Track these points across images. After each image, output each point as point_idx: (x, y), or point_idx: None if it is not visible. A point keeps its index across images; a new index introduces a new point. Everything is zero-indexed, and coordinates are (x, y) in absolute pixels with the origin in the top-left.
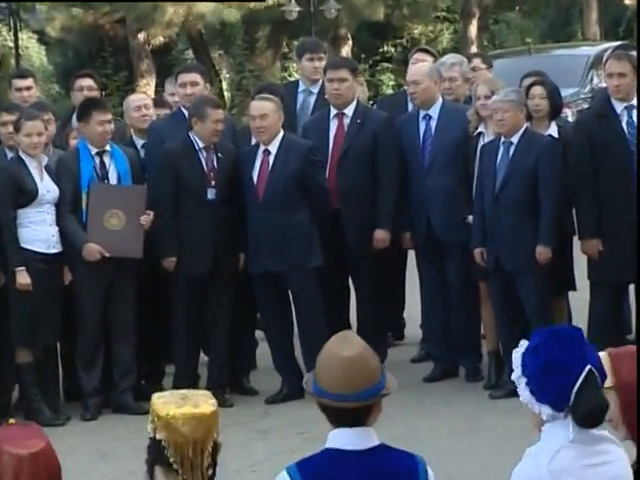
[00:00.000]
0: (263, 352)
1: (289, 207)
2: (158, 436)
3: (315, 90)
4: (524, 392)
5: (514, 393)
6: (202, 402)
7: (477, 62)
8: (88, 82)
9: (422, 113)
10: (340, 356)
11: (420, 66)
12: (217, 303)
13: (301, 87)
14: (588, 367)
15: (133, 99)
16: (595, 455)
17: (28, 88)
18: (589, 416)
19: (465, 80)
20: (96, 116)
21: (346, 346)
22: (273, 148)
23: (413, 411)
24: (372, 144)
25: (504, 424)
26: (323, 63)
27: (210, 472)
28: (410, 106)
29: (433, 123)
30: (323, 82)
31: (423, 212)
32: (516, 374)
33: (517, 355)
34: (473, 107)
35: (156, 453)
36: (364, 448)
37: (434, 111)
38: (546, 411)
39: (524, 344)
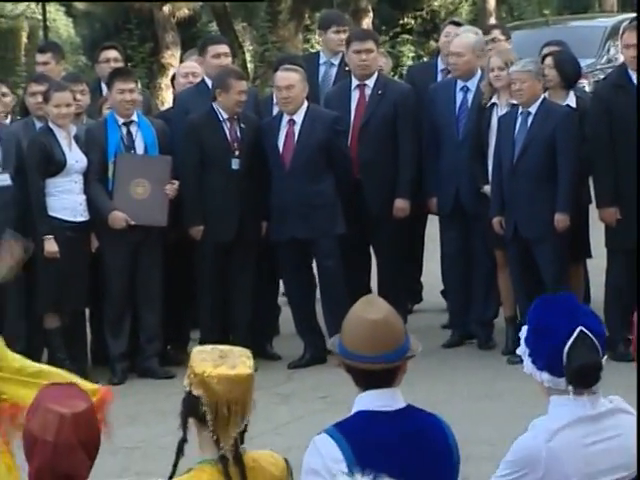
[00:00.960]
0: (286, 318)
1: (315, 176)
2: (194, 391)
3: (336, 62)
4: (527, 362)
5: None
6: (240, 363)
7: (496, 33)
8: (114, 54)
9: (460, 84)
10: (367, 319)
11: (465, 38)
12: (241, 270)
13: (322, 59)
14: (579, 329)
15: (184, 66)
16: (600, 432)
17: (45, 63)
18: (581, 374)
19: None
20: (117, 84)
21: (372, 309)
22: (298, 118)
23: (432, 376)
24: (393, 115)
25: (521, 388)
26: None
27: (240, 431)
28: (439, 76)
29: (470, 95)
30: (343, 54)
31: (453, 181)
32: (522, 348)
33: (523, 329)
34: (486, 78)
35: (190, 407)
36: (394, 409)
37: (472, 84)
38: (546, 377)
39: (527, 316)
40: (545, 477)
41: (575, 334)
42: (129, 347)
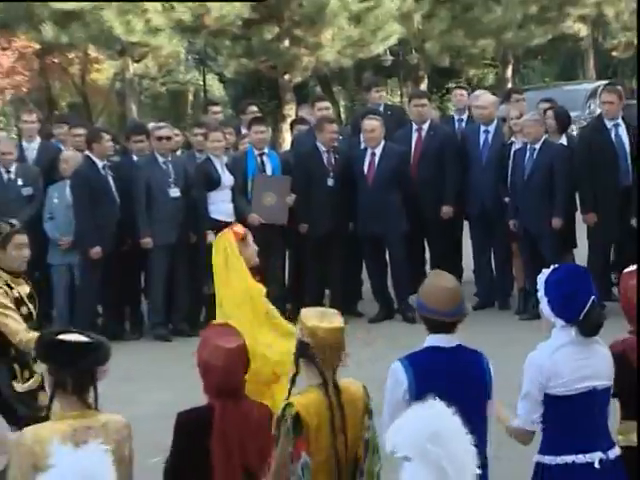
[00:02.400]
0: (366, 288)
1: (387, 190)
2: (304, 339)
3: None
4: (546, 307)
5: (535, 317)
6: (335, 319)
7: (516, 95)
8: (253, 108)
9: (483, 128)
10: (444, 286)
11: (487, 98)
12: (336, 254)
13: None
14: (592, 297)
15: (299, 115)
16: (585, 352)
17: (213, 113)
18: (592, 330)
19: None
20: (255, 128)
21: (446, 279)
22: (378, 151)
23: (466, 328)
24: (440, 148)
25: (530, 337)
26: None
27: (337, 367)
28: (456, 125)
29: (490, 136)
30: (384, 104)
31: (479, 194)
32: (540, 293)
33: (541, 279)
34: (507, 124)
35: (302, 350)
36: (451, 346)
37: (492, 127)
38: (560, 322)
39: (545, 272)
40: (548, 380)
41: (590, 301)
42: None
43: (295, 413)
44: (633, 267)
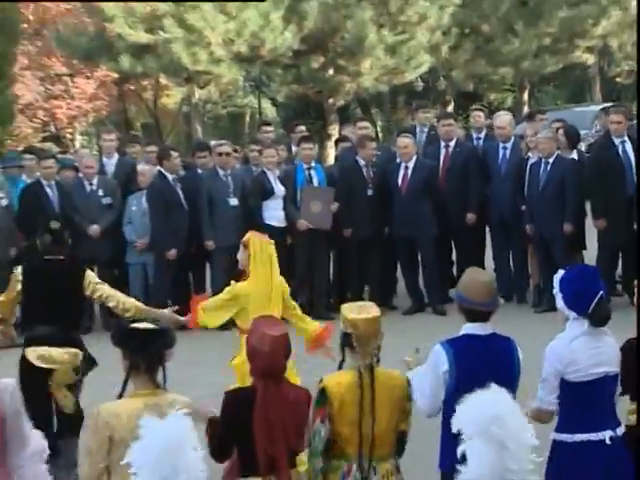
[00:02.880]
0: (400, 285)
1: (419, 199)
2: (347, 330)
3: (425, 129)
4: (560, 302)
5: (548, 309)
6: (372, 310)
7: (540, 115)
8: (302, 127)
9: (501, 145)
10: (482, 280)
11: (506, 119)
12: (374, 255)
13: (417, 128)
14: (600, 292)
15: (342, 135)
16: (597, 342)
17: (267, 132)
18: (601, 321)
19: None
20: (303, 145)
21: (482, 275)
22: (410, 165)
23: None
24: (465, 163)
25: (544, 327)
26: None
27: (376, 352)
28: (475, 142)
29: (508, 152)
30: (430, 124)
31: (499, 205)
32: (555, 290)
33: (556, 278)
34: (525, 141)
35: (346, 340)
36: (486, 334)
37: (509, 145)
38: (573, 315)
39: (561, 272)
40: (567, 367)
41: (598, 296)
42: None
43: (322, 388)
44: None
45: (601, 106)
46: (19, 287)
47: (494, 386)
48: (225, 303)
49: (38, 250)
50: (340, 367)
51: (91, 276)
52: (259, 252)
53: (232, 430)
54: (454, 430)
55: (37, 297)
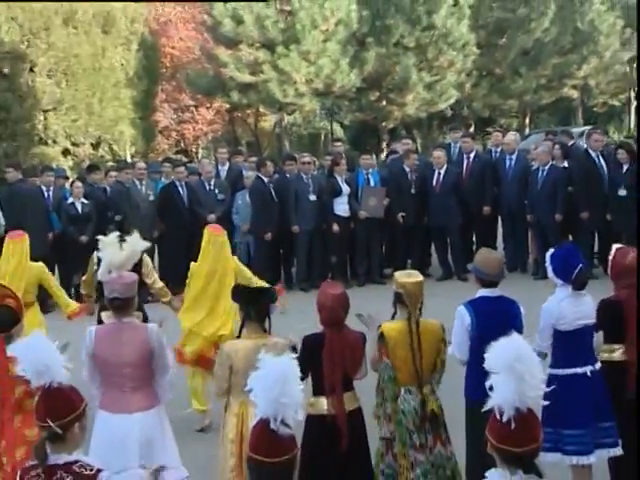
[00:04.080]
0: (434, 259)
1: (448, 196)
2: (398, 290)
3: (457, 145)
4: (550, 272)
5: (544, 278)
6: (417, 276)
7: (551, 135)
8: (338, 143)
9: (508, 156)
10: (493, 257)
11: (512, 137)
12: (415, 237)
13: (451, 144)
14: (580, 265)
15: (391, 149)
16: (579, 302)
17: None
18: (581, 285)
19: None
20: (363, 156)
21: (493, 253)
22: (442, 171)
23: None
24: (481, 169)
25: (540, 291)
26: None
27: (420, 307)
28: (493, 155)
29: (512, 161)
30: (459, 141)
31: (506, 199)
32: (547, 263)
33: (548, 254)
34: (532, 154)
35: (398, 298)
36: (496, 296)
37: (514, 156)
38: (559, 282)
39: (551, 251)
40: (557, 320)
41: (579, 267)
42: None
43: (380, 332)
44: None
45: (582, 128)
46: (94, 269)
47: (514, 334)
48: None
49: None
50: (393, 318)
51: (147, 260)
52: (207, 241)
53: (308, 362)
54: (486, 368)
55: None
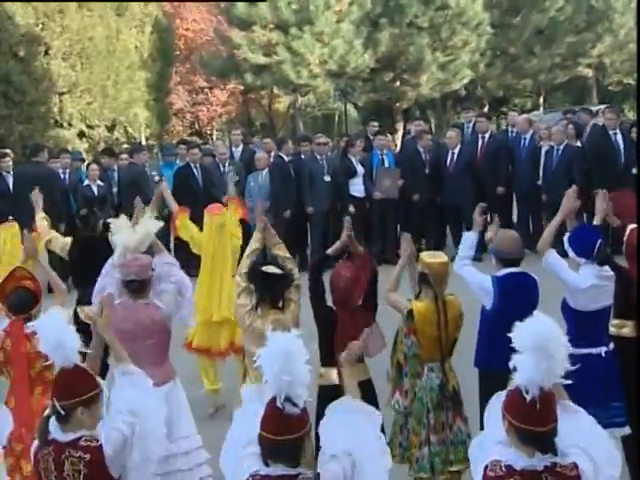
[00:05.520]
0: (448, 239)
1: (462, 176)
2: (424, 270)
3: (470, 124)
4: (572, 254)
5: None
6: (442, 257)
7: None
8: (375, 123)
9: (522, 136)
10: (514, 236)
11: (526, 118)
12: (429, 216)
13: (465, 123)
14: (599, 240)
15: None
16: (602, 283)
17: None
18: (604, 259)
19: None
20: (379, 137)
21: (512, 234)
22: (456, 151)
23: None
24: (496, 149)
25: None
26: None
27: (444, 287)
28: (509, 134)
29: (526, 141)
30: (473, 120)
31: (519, 179)
32: (566, 245)
33: (565, 239)
34: (539, 133)
35: (422, 278)
36: (518, 272)
37: (528, 135)
38: (581, 261)
39: (567, 234)
40: (583, 298)
41: (598, 244)
42: None
43: (409, 310)
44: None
45: (597, 107)
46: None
47: (541, 314)
48: (195, 234)
49: None
50: (417, 297)
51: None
52: (208, 221)
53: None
54: (516, 346)
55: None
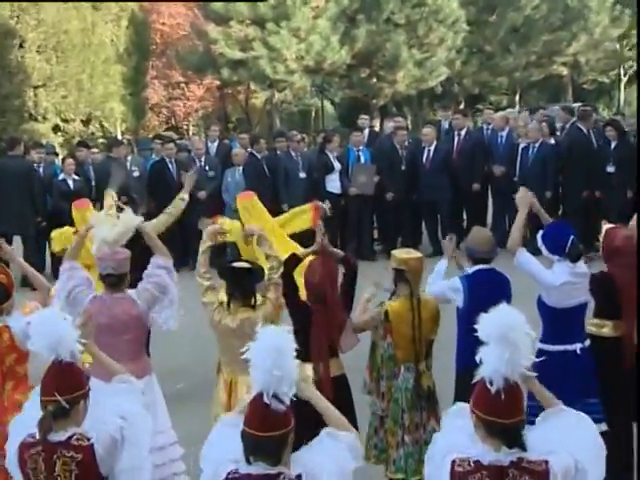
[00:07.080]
0: (424, 236)
1: (438, 173)
2: (399, 267)
3: (446, 122)
4: (545, 251)
5: (533, 254)
6: (416, 253)
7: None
8: (363, 118)
9: (499, 133)
10: (485, 236)
11: (502, 115)
12: (405, 213)
13: (442, 121)
14: (571, 237)
15: (389, 125)
16: (576, 280)
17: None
18: (577, 256)
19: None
20: (354, 133)
21: (485, 232)
22: (432, 147)
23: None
24: (472, 146)
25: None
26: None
27: (419, 284)
28: (485, 132)
29: (503, 138)
30: (449, 119)
31: (496, 177)
32: (539, 243)
33: (539, 236)
34: (518, 130)
35: (399, 275)
36: (487, 268)
37: (504, 132)
38: (555, 258)
39: (541, 231)
40: (557, 295)
41: (570, 240)
42: None
43: (385, 310)
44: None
45: (572, 105)
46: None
47: (505, 304)
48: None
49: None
50: (392, 295)
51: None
52: (241, 208)
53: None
54: (481, 337)
55: None
